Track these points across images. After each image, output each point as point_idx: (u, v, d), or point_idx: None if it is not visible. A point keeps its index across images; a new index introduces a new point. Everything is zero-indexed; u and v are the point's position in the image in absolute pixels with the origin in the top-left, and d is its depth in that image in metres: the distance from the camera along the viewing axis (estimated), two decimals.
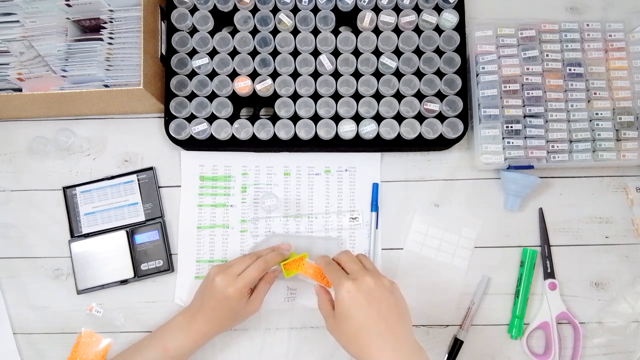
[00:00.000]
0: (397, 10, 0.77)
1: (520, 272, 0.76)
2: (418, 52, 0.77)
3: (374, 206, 0.77)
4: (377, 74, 0.77)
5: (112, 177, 0.78)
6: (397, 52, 0.77)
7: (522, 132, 0.75)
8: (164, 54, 0.77)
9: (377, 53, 0.76)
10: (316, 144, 0.76)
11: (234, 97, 0.77)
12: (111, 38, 0.76)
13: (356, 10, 0.78)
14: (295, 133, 0.75)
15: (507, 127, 0.75)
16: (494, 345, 0.75)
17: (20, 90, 0.75)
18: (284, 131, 0.76)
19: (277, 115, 0.77)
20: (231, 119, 0.76)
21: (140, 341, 0.69)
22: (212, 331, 0.68)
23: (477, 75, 0.77)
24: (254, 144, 0.76)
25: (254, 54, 0.77)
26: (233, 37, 0.76)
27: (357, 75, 0.76)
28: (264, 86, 0.75)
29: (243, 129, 0.75)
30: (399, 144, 0.76)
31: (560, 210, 0.78)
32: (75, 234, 0.77)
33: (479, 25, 0.78)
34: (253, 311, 0.69)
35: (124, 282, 0.76)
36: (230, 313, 0.67)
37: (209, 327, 0.67)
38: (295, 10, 0.78)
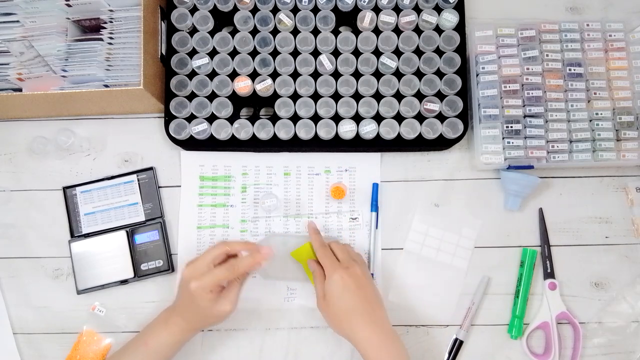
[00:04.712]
0: (397, 10, 0.77)
1: (520, 272, 0.76)
2: (418, 52, 0.77)
3: (374, 206, 0.77)
4: (377, 74, 0.77)
5: (112, 177, 0.78)
6: (397, 52, 0.77)
7: (522, 132, 0.75)
8: (164, 54, 0.77)
9: (377, 53, 0.76)
10: (316, 144, 0.76)
11: (234, 97, 0.77)
12: (111, 38, 0.76)
13: (356, 10, 0.78)
14: (295, 133, 0.75)
15: (507, 127, 0.75)
16: (494, 345, 0.75)
17: (20, 90, 0.75)
18: (284, 131, 0.76)
19: (277, 115, 0.77)
20: (231, 119, 0.76)
21: (129, 341, 0.69)
22: (188, 327, 0.67)
23: (477, 75, 0.77)
24: (254, 144, 0.76)
25: (254, 54, 0.77)
26: (233, 37, 0.76)
27: (357, 75, 0.76)
28: (264, 86, 0.75)
29: (243, 129, 0.75)
30: (399, 144, 0.76)
31: (560, 210, 0.78)
32: (75, 234, 0.77)
33: (479, 25, 0.78)
34: (225, 311, 0.65)
35: (124, 282, 0.76)
36: (198, 309, 0.65)
37: (184, 323, 0.66)
38: (295, 10, 0.78)
